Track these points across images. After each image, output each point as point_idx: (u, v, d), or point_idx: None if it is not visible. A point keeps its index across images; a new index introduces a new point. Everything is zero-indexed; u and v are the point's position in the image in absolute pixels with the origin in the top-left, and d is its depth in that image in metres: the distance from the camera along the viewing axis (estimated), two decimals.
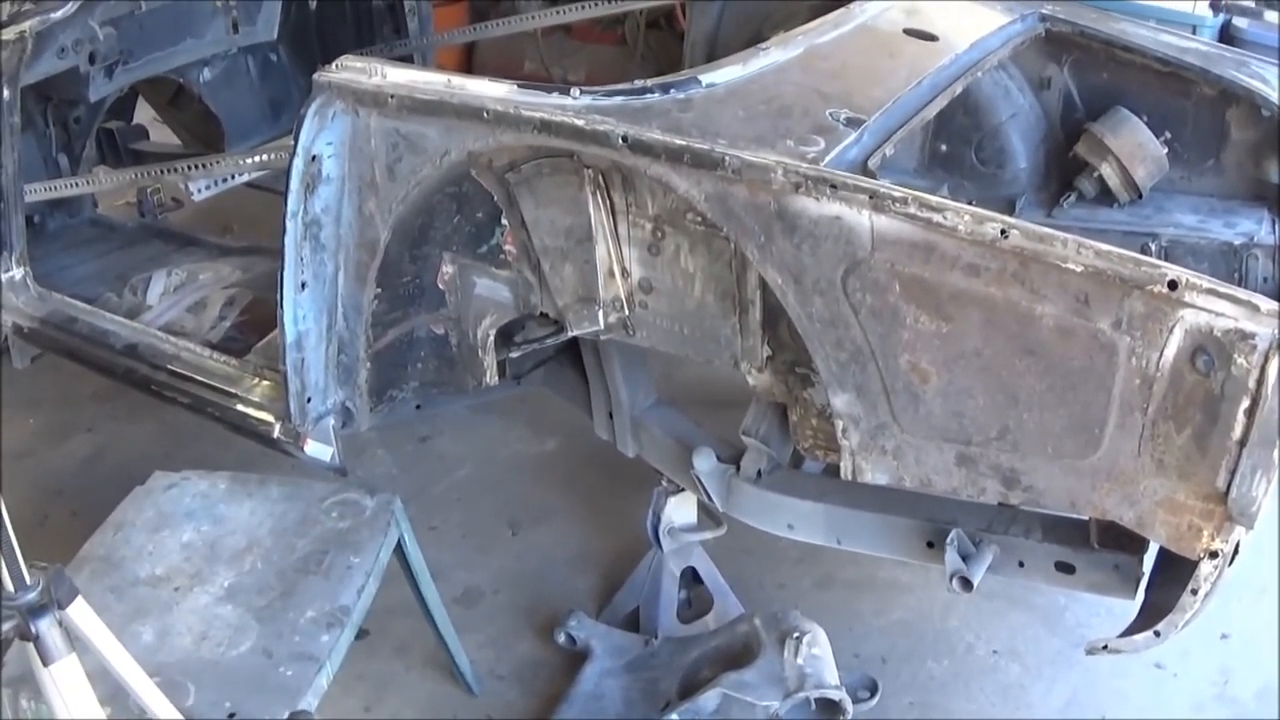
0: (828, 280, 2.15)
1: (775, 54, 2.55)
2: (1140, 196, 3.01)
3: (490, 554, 3.40)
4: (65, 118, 3.61)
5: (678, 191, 2.25)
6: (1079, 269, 1.95)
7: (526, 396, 3.45)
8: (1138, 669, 2.95)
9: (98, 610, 2.37)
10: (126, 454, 3.53)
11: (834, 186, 2.09)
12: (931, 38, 2.75)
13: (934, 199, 2.05)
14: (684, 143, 2.20)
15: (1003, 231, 1.99)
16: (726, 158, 2.16)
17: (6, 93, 3.02)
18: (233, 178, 3.46)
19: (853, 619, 3.15)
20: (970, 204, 3.05)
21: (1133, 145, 2.95)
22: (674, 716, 2.70)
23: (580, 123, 2.30)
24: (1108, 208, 3.03)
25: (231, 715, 2.16)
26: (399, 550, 2.69)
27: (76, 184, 3.37)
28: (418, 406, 3.12)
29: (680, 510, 2.98)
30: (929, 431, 2.19)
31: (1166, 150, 2.98)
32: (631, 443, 3.00)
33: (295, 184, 2.54)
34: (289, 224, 2.57)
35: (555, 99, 2.37)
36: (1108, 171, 2.98)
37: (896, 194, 2.05)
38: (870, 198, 2.07)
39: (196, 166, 3.09)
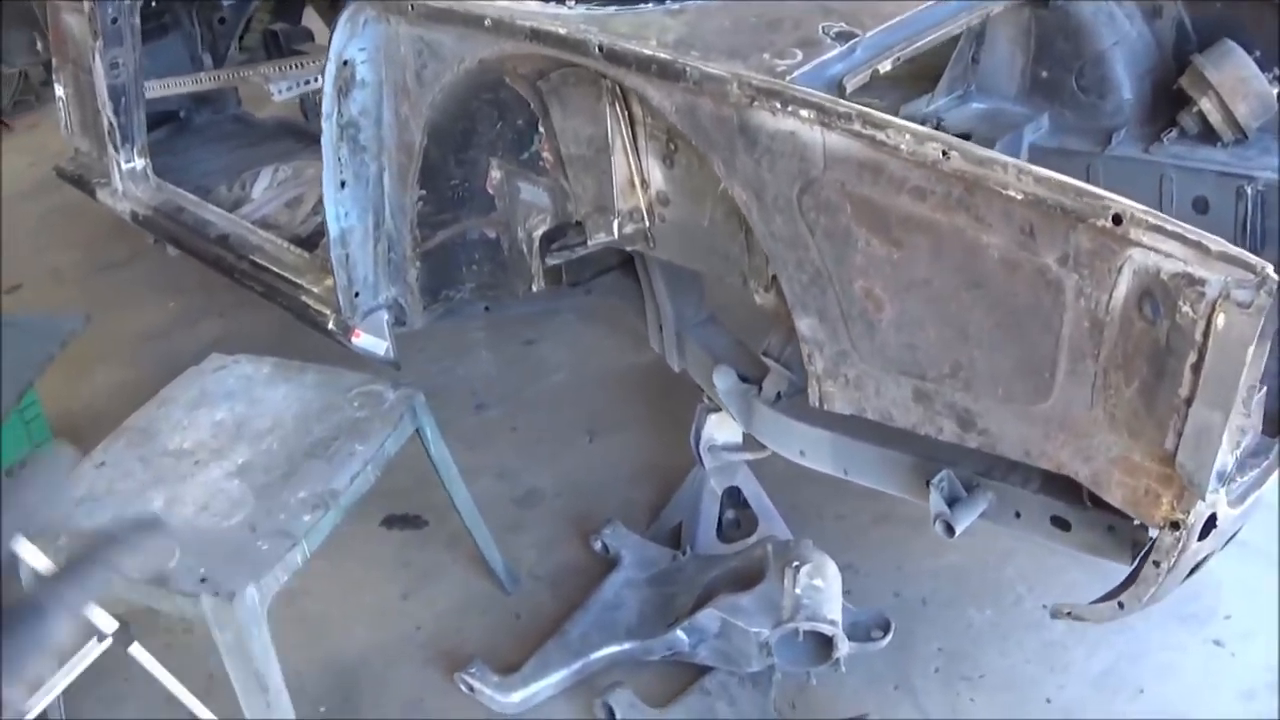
0: (785, 198, 2.09)
1: None
2: (1245, 136, 2.75)
3: (561, 459, 3.46)
4: (210, 18, 3.83)
5: (652, 103, 2.21)
6: (1020, 196, 1.82)
7: (630, 306, 3.46)
8: (1193, 643, 2.76)
9: (122, 476, 2.59)
10: (249, 340, 3.72)
11: (782, 100, 2.01)
12: None
13: (880, 116, 1.94)
14: (650, 53, 2.16)
15: (944, 152, 1.87)
16: (687, 69, 2.11)
17: None
18: (315, 80, 3.59)
19: (904, 557, 3.05)
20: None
21: (1235, 80, 2.69)
22: (678, 632, 2.71)
23: (563, 31, 2.28)
24: (1210, 146, 2.79)
25: (203, 579, 2.30)
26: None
27: (181, 82, 3.58)
28: (486, 308, 3.19)
29: (722, 429, 2.95)
30: (885, 363, 2.11)
31: (1278, 89, 2.72)
32: (676, 357, 2.99)
33: (329, 88, 2.63)
34: (325, 125, 2.67)
35: (551, 8, 2.38)
36: (1208, 107, 2.73)
37: (841, 109, 1.96)
38: (818, 112, 1.98)
39: (280, 68, 3.23)
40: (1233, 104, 2.71)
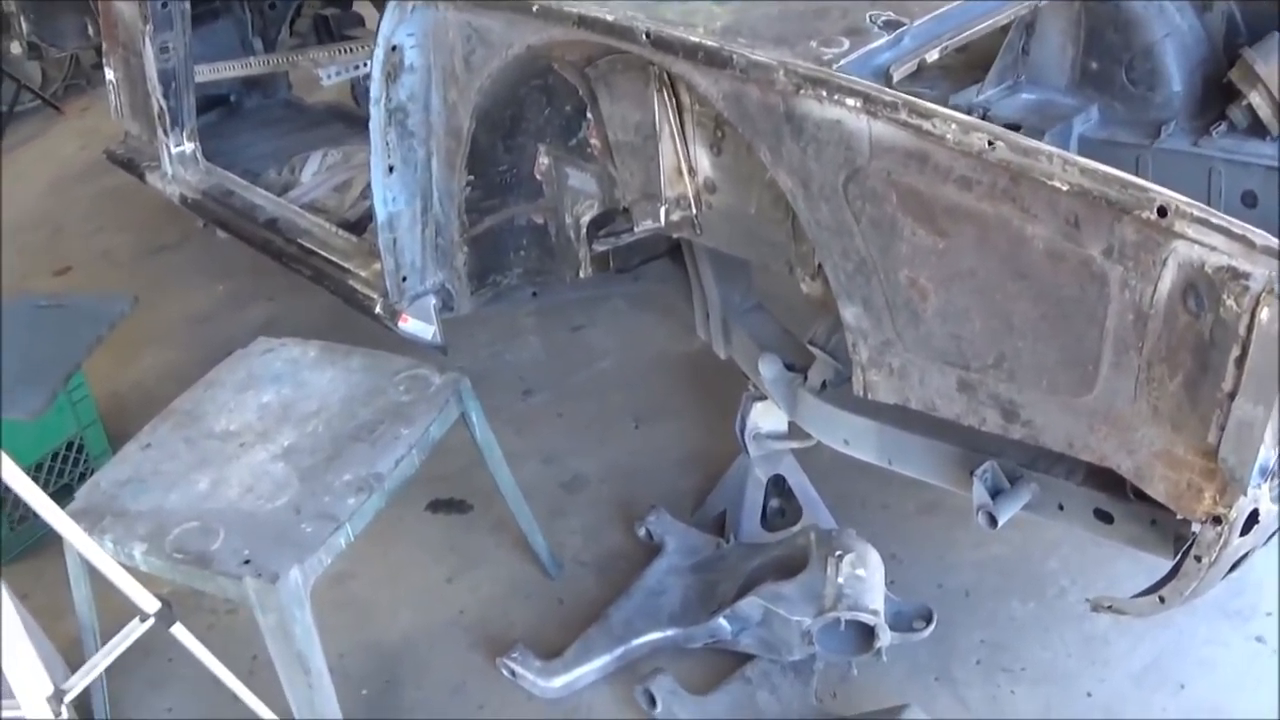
0: (831, 186, 2.08)
1: None
2: None
3: (607, 445, 3.47)
4: (261, 4, 3.86)
5: (699, 90, 2.21)
6: (1065, 187, 1.80)
7: (679, 293, 3.47)
8: (1236, 640, 2.73)
9: (167, 458, 2.62)
10: (297, 324, 3.77)
11: (828, 89, 2.00)
12: None
13: (926, 105, 1.93)
14: (697, 40, 2.16)
15: (989, 142, 1.85)
16: (734, 56, 2.10)
17: None
18: (364, 65, 3.61)
19: (948, 548, 3.04)
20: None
21: None
22: (720, 620, 2.72)
23: (610, 18, 2.28)
24: (1259, 140, 2.76)
25: (246, 561, 2.32)
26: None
27: (230, 67, 3.61)
28: (534, 294, 3.21)
29: (767, 416, 2.95)
30: (930, 352, 2.09)
31: None
32: (723, 344, 2.99)
33: (377, 73, 2.65)
34: (373, 110, 2.69)
35: None
36: (1257, 100, 2.69)
37: (887, 98, 1.95)
38: (864, 101, 1.97)
39: (329, 53, 3.26)
40: None
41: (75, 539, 2.09)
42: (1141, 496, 2.17)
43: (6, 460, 1.96)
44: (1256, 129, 2.74)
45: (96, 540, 2.38)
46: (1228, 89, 2.79)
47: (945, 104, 2.53)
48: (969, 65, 2.89)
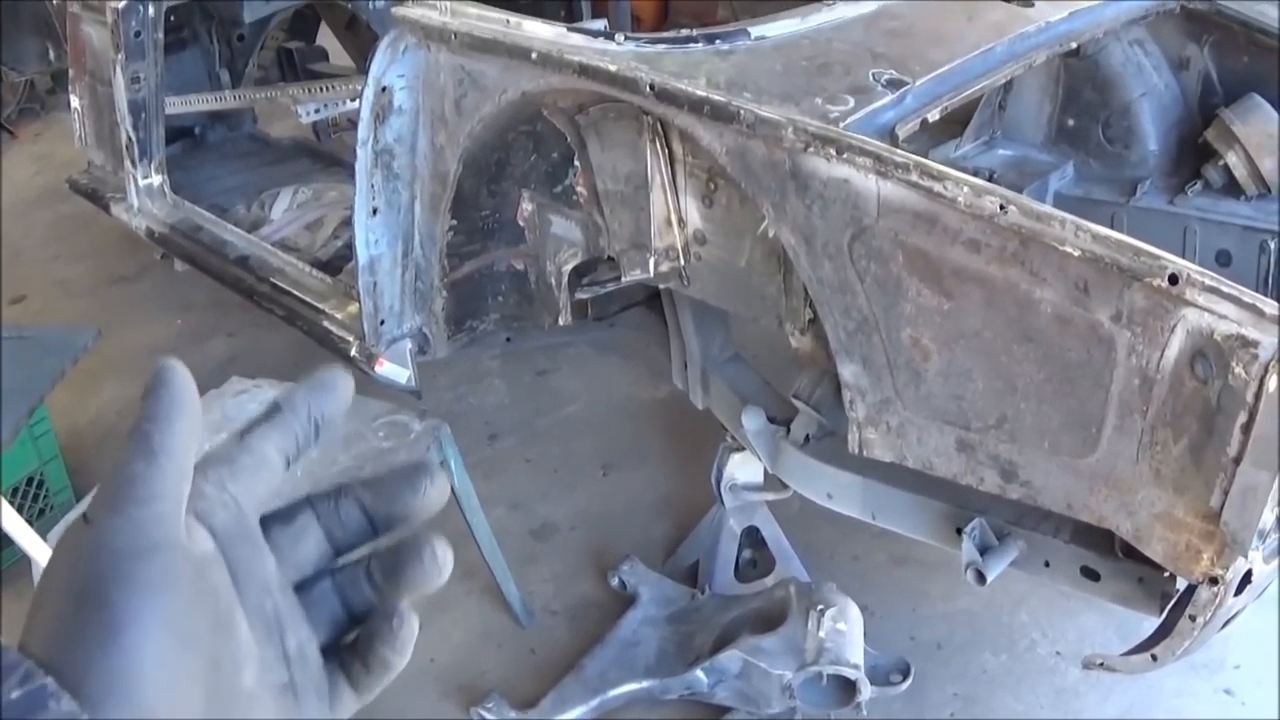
0: (835, 244, 2.08)
1: (842, 9, 2.47)
2: (1269, 191, 2.78)
3: (576, 491, 3.45)
4: (229, 35, 3.81)
5: (701, 144, 2.22)
6: (1076, 253, 1.82)
7: (653, 340, 3.47)
8: (1205, 691, 2.78)
9: None
10: (259, 361, 3.71)
11: (838, 148, 2.02)
12: (1027, 2, 2.59)
13: (937, 167, 1.95)
14: (704, 94, 2.16)
15: (1001, 206, 1.88)
16: (741, 111, 2.11)
17: (152, 9, 3.21)
18: (343, 103, 3.58)
19: (919, 600, 3.05)
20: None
21: (1262, 135, 2.73)
22: (697, 672, 2.70)
23: (613, 68, 2.28)
24: (1234, 200, 2.82)
25: None
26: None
27: (203, 100, 3.56)
28: (508, 339, 3.19)
29: (744, 468, 2.95)
30: (930, 412, 2.10)
31: None
32: (701, 395, 2.99)
33: (366, 114, 2.63)
34: (360, 151, 2.66)
35: (600, 44, 2.37)
36: (1234, 161, 2.77)
37: (899, 159, 1.96)
38: (874, 161, 1.99)
39: (309, 90, 3.23)
40: (1259, 159, 2.75)
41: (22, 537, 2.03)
42: (1129, 554, 2.21)
43: (9, 510, 1.91)
44: (1231, 188, 2.82)
45: None
46: (1203, 149, 2.86)
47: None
48: (945, 119, 2.93)
